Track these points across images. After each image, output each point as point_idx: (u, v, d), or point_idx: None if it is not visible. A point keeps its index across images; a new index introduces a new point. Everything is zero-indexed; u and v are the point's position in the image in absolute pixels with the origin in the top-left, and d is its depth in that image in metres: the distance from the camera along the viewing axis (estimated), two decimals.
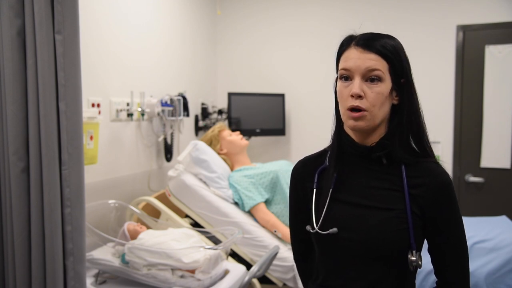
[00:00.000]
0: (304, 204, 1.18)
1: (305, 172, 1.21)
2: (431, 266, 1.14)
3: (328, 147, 1.20)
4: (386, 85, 1.05)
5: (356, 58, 1.05)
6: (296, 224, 1.23)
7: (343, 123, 1.12)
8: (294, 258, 1.32)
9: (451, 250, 1.08)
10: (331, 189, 1.13)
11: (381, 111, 1.07)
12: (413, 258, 1.04)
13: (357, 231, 1.07)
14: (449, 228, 1.07)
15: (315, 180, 1.17)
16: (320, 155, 1.23)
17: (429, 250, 1.12)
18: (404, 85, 1.09)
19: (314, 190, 1.16)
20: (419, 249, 1.06)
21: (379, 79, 1.04)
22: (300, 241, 1.25)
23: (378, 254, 1.07)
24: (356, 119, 1.05)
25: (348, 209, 1.10)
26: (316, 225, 1.11)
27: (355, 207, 1.10)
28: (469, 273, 1.10)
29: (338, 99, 1.11)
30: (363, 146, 1.11)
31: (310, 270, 1.24)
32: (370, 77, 1.04)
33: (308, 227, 1.13)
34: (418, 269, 1.11)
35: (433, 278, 1.16)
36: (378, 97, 1.04)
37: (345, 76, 1.07)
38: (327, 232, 1.09)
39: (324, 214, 1.11)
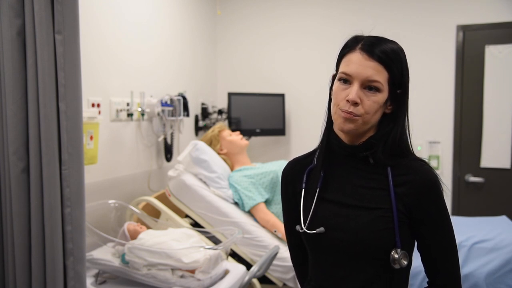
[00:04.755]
0: (296, 206, 1.18)
1: (294, 173, 1.22)
2: None
3: (318, 146, 1.20)
4: (383, 95, 1.06)
5: (358, 64, 1.04)
6: (291, 227, 1.22)
7: (333, 122, 1.13)
8: (292, 262, 1.32)
9: (438, 247, 1.08)
10: (318, 189, 1.14)
11: (373, 118, 1.07)
12: (396, 256, 1.04)
13: (344, 231, 1.08)
14: (435, 225, 1.08)
15: (304, 181, 1.18)
16: (309, 155, 1.24)
17: (418, 248, 1.12)
18: (399, 95, 1.09)
19: (303, 190, 1.17)
20: (405, 248, 1.06)
21: (377, 89, 1.05)
22: (297, 244, 1.24)
23: (365, 253, 1.07)
24: (347, 120, 1.05)
25: (335, 209, 1.11)
26: (304, 225, 1.12)
27: (342, 206, 1.10)
28: (459, 269, 1.10)
29: (333, 99, 1.11)
30: (349, 146, 1.12)
31: (308, 272, 1.23)
32: (369, 86, 1.05)
33: (297, 227, 1.14)
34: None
35: None
36: (373, 106, 1.05)
37: (344, 79, 1.07)
38: (314, 231, 1.10)
39: (312, 214, 1.12)
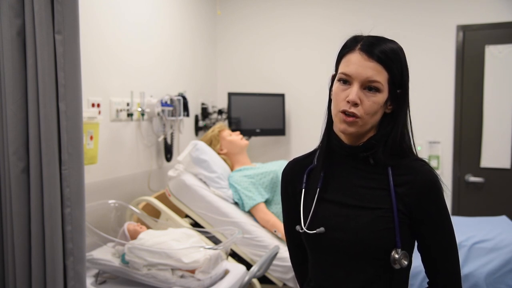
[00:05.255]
0: (296, 206, 1.18)
1: (294, 173, 1.22)
2: None
3: (318, 146, 1.20)
4: (383, 96, 1.06)
5: (358, 65, 1.04)
6: (291, 227, 1.22)
7: (333, 122, 1.13)
8: (291, 262, 1.33)
9: (439, 247, 1.08)
10: (318, 189, 1.13)
11: (373, 119, 1.07)
12: (396, 256, 1.04)
13: (344, 231, 1.08)
14: (436, 225, 1.08)
15: (304, 181, 1.18)
16: (309, 155, 1.23)
17: (418, 248, 1.12)
18: (399, 95, 1.09)
19: (303, 190, 1.17)
20: (405, 248, 1.06)
21: (377, 89, 1.05)
22: (296, 244, 1.24)
23: (366, 253, 1.07)
24: (348, 123, 1.05)
25: (336, 209, 1.11)
26: (304, 225, 1.12)
27: (343, 206, 1.10)
28: (459, 269, 1.10)
29: (333, 100, 1.11)
30: (350, 146, 1.12)
31: (307, 272, 1.23)
32: (369, 86, 1.05)
33: (297, 227, 1.14)
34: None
35: None
36: (373, 106, 1.05)
37: (344, 80, 1.07)
38: (314, 231, 1.10)
39: (312, 214, 1.12)
